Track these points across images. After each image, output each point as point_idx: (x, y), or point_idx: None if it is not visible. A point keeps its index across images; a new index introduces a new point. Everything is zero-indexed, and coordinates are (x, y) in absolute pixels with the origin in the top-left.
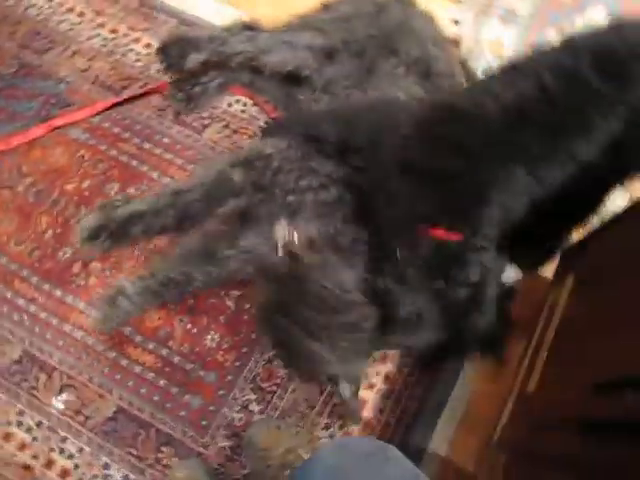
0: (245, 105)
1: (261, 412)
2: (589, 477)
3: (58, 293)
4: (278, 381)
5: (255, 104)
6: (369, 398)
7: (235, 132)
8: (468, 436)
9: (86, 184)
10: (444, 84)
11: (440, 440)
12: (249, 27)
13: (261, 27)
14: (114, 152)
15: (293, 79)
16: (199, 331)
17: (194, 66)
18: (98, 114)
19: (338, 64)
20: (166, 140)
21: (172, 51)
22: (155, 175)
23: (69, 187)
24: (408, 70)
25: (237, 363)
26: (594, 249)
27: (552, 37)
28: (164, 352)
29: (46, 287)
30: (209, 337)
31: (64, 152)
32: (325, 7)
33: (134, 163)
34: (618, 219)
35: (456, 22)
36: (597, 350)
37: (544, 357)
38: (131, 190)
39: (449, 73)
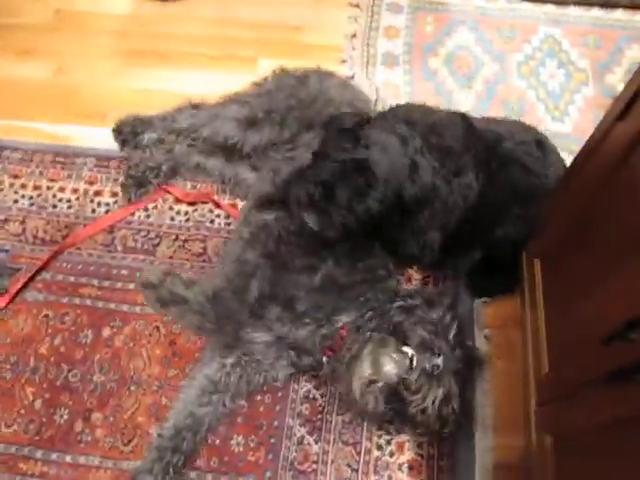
0: (187, 214)
1: None
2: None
3: (68, 458)
4: (315, 458)
5: (219, 206)
6: None
7: (186, 241)
8: (506, 438)
9: (58, 341)
10: None
11: (484, 451)
12: (195, 106)
13: (204, 104)
14: (77, 300)
15: (236, 156)
16: (222, 440)
17: (149, 143)
18: (43, 268)
19: (260, 131)
20: (124, 272)
21: (126, 130)
22: (125, 308)
23: (43, 350)
24: None
25: (270, 456)
26: (545, 228)
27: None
28: (194, 475)
29: (54, 457)
30: (234, 442)
31: (26, 318)
32: (254, 84)
33: (100, 304)
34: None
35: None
36: (586, 311)
37: (545, 340)
38: (106, 330)
39: None
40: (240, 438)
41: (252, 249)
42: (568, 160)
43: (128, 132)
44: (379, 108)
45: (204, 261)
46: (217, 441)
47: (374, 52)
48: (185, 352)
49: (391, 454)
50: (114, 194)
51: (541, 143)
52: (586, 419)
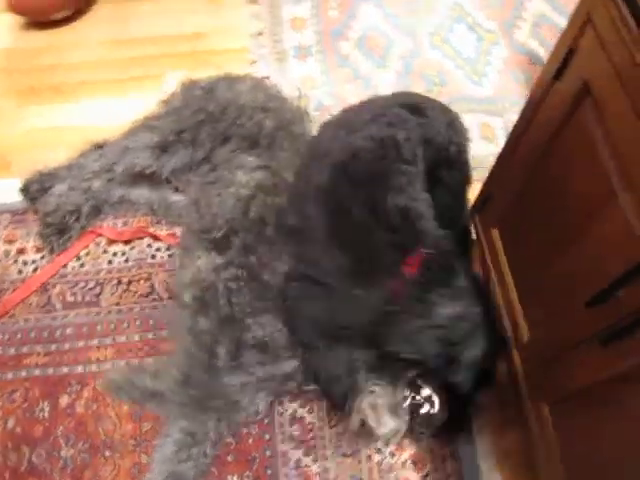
0: (124, 254)
1: None
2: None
3: None
4: (317, 479)
5: (157, 239)
6: None
7: (130, 283)
8: (502, 413)
9: (12, 422)
10: (281, 141)
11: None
12: (99, 145)
13: (109, 141)
14: (23, 373)
15: (159, 181)
16: None
17: (60, 196)
18: None
19: (174, 155)
20: (69, 330)
21: (33, 188)
22: (80, 369)
23: None
24: (241, 147)
25: None
26: (498, 196)
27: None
28: None
29: None
30: None
31: None
32: (163, 102)
33: (50, 371)
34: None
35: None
36: (561, 273)
37: (519, 308)
38: (64, 397)
39: (283, 126)
40: (235, 478)
41: (203, 316)
42: (500, 124)
43: (36, 190)
44: (303, 104)
45: (154, 300)
46: None
47: (283, 47)
48: None
49: (392, 455)
50: (39, 249)
51: (416, 107)
52: (579, 380)
